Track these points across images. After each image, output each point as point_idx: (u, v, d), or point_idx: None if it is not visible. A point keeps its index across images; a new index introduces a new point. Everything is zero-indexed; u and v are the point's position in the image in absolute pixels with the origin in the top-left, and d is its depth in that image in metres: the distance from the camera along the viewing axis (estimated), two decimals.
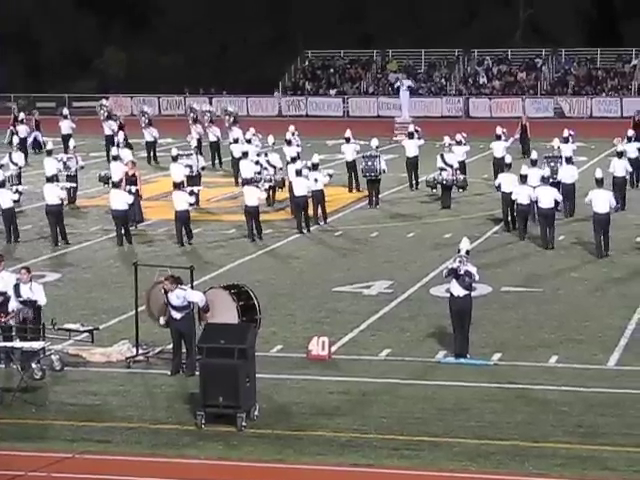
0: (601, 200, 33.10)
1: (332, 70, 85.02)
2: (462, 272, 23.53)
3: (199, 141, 47.80)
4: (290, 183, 38.74)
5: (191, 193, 36.68)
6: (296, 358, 23.93)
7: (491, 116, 71.60)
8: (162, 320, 23.13)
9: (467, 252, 23.96)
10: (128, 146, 45.06)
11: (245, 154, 41.54)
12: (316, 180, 37.64)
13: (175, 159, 40.97)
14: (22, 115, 56.95)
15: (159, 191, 43.69)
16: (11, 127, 55.52)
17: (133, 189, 36.71)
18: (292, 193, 38.28)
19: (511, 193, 35.79)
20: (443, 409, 20.90)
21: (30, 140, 54.93)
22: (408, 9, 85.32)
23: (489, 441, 19.26)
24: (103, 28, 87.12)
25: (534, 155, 38.49)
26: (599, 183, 33.63)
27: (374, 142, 43.32)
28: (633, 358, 23.82)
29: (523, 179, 35.42)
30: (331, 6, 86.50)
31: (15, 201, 37.24)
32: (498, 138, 45.23)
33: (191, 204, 36.41)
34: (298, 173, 37.84)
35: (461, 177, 42.23)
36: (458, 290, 23.70)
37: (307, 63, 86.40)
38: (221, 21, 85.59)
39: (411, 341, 25.21)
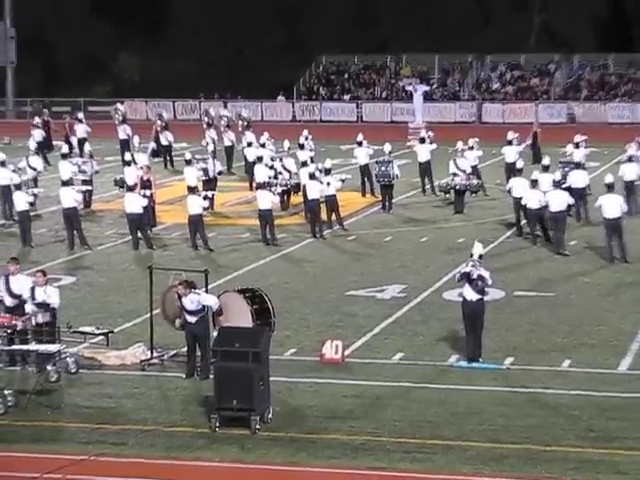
0: (611, 205, 33.05)
1: (346, 75, 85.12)
2: (475, 276, 23.54)
3: (214, 145, 47.94)
4: (304, 187, 38.76)
5: (205, 197, 36.72)
6: (310, 361, 23.95)
7: (504, 121, 71.56)
8: (177, 323, 23.17)
9: (480, 256, 23.96)
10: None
11: (260, 158, 41.57)
12: (328, 184, 37.65)
13: (189, 163, 41.08)
14: (37, 119, 56.94)
15: (174, 195, 43.70)
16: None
17: (147, 193, 36.76)
18: (305, 197, 38.32)
19: (521, 198, 35.80)
20: (456, 413, 20.91)
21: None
22: (422, 15, 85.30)
23: (501, 445, 19.27)
24: (118, 33, 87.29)
25: (546, 160, 38.48)
26: (609, 188, 33.62)
27: (387, 147, 43.37)
28: None
29: (534, 184, 35.42)
30: (345, 12, 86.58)
31: (31, 204, 37.31)
32: (509, 143, 45.24)
33: (205, 208, 36.41)
34: (311, 177, 37.90)
35: (474, 182, 42.26)
36: (471, 294, 23.71)
37: (321, 68, 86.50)
38: (235, 26, 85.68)
39: (424, 345, 25.23)
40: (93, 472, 18.37)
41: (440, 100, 79.57)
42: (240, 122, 53.30)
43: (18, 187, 36.98)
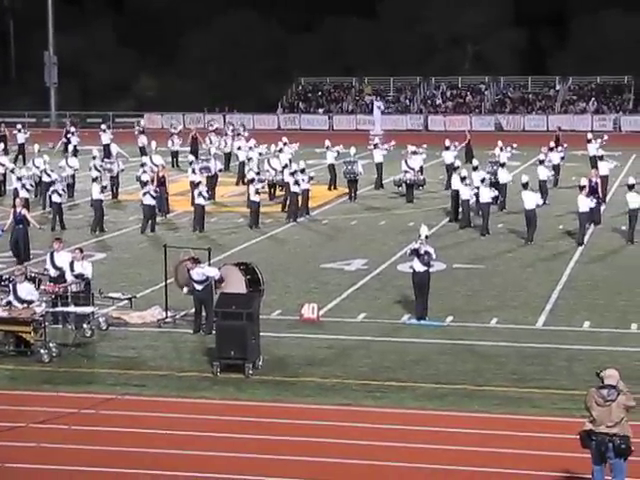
0: (528, 199, 33.07)
1: (320, 93, 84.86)
2: (422, 252, 23.50)
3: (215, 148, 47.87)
4: (287, 183, 38.55)
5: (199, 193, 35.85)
6: (291, 320, 23.89)
7: (445, 130, 71.43)
8: (185, 289, 23.14)
9: (426, 237, 23.93)
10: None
11: (249, 159, 41.42)
12: (303, 180, 37.61)
13: (191, 164, 41.16)
14: (73, 129, 56.64)
15: (184, 188, 43.40)
16: (63, 138, 55.46)
17: (152, 191, 35.42)
18: (289, 190, 38.13)
19: (457, 191, 35.84)
20: (407, 360, 20.89)
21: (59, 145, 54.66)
22: (380, 46, 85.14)
23: (444, 385, 19.26)
24: (139, 60, 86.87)
25: (475, 162, 38.52)
26: (525, 186, 33.61)
27: (353, 150, 43.27)
28: (556, 320, 23.86)
29: (464, 180, 35.52)
30: (319, 44, 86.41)
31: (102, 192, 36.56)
32: (447, 148, 45.17)
33: (205, 198, 35.90)
34: (291, 175, 37.86)
35: (421, 177, 42.37)
36: (419, 266, 23.68)
37: (300, 88, 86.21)
38: (233, 55, 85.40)
39: (382, 307, 25.20)
40: (120, 408, 18.30)
41: (394, 113, 79.38)
42: (231, 129, 53.43)
43: (94, 180, 36.63)
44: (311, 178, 38.71)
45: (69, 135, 55.14)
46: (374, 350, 21.64)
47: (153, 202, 35.41)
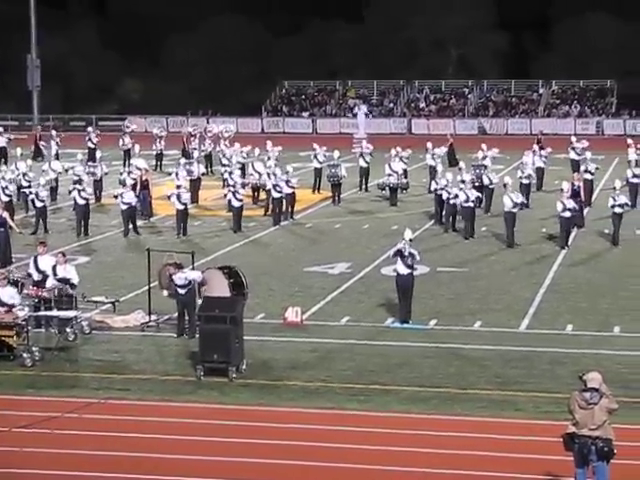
0: (506, 201, 33.08)
1: (304, 97, 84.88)
2: (406, 253, 23.54)
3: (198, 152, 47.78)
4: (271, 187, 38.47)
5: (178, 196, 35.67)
6: (275, 324, 23.89)
7: (429, 133, 71.50)
8: (165, 292, 23.20)
9: (410, 240, 23.96)
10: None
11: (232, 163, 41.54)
12: (288, 183, 37.50)
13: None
14: (54, 132, 56.41)
15: (167, 192, 43.32)
16: (40, 142, 55.45)
17: (131, 197, 35.37)
18: (270, 194, 38.07)
19: (441, 195, 35.88)
20: (391, 363, 20.91)
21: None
22: (364, 49, 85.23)
23: (427, 389, 19.28)
24: (123, 62, 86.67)
25: (462, 164, 38.55)
26: (506, 188, 33.70)
27: (336, 153, 43.29)
28: (539, 323, 23.91)
29: (450, 183, 35.55)
30: (303, 47, 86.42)
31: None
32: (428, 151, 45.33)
33: (183, 204, 35.61)
34: (275, 178, 37.78)
35: (405, 181, 42.41)
36: (403, 269, 23.70)
37: (284, 91, 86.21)
38: (217, 58, 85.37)
39: (366, 310, 25.20)
40: (103, 412, 18.26)
41: (378, 116, 79.46)
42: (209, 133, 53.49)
43: (75, 183, 36.69)
44: (287, 181, 37.60)
45: (43, 141, 54.97)
46: (358, 353, 21.64)
47: (133, 202, 35.24)
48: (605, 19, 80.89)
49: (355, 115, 73.40)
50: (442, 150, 45.69)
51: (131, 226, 35.29)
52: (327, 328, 23.65)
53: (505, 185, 33.88)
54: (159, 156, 52.88)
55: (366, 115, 73.18)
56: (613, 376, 18.53)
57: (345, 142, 59.36)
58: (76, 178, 38.77)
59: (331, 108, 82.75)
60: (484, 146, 43.60)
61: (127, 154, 51.57)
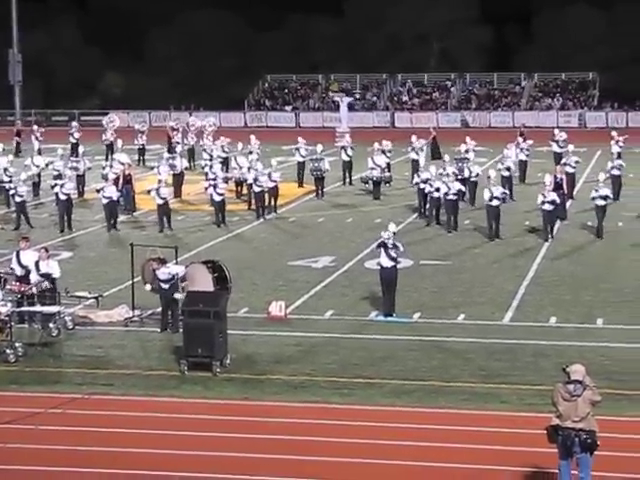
0: (487, 194, 33.14)
1: (287, 90, 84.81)
2: (390, 245, 23.57)
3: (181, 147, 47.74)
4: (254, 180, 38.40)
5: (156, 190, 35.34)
6: (259, 318, 23.88)
7: (412, 126, 71.38)
8: (148, 286, 23.16)
9: (394, 233, 23.99)
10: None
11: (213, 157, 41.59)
12: (270, 177, 37.50)
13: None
14: (36, 127, 56.17)
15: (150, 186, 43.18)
16: (16, 138, 55.24)
17: (112, 191, 35.23)
18: (252, 189, 38.05)
19: (424, 188, 35.92)
20: (375, 357, 20.93)
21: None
22: (346, 43, 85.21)
23: (411, 382, 19.31)
24: (105, 57, 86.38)
25: (446, 157, 38.59)
26: (489, 181, 33.79)
27: (319, 147, 43.28)
28: (522, 316, 23.97)
29: (433, 176, 35.59)
30: (286, 41, 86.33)
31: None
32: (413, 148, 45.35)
33: (163, 198, 35.21)
34: (256, 172, 37.75)
35: (388, 174, 42.44)
36: (386, 262, 23.73)
37: (267, 85, 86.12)
38: (199, 52, 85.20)
39: (350, 303, 25.22)
40: (87, 408, 18.22)
41: (361, 110, 79.44)
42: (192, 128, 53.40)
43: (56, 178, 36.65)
44: (269, 175, 37.55)
45: (23, 135, 54.79)
46: (342, 347, 21.65)
47: (114, 196, 35.14)
48: (586, 12, 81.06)
49: (338, 108, 73.28)
50: (421, 142, 45.60)
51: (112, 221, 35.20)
52: (311, 322, 23.66)
53: (488, 178, 34.01)
54: (141, 151, 52.77)
55: (350, 107, 73.02)
56: (597, 368, 18.59)
57: (328, 136, 59.26)
58: (56, 173, 38.73)
59: (314, 102, 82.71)
60: (468, 139, 43.65)
61: (109, 148, 51.44)
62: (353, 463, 15.76)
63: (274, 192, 37.98)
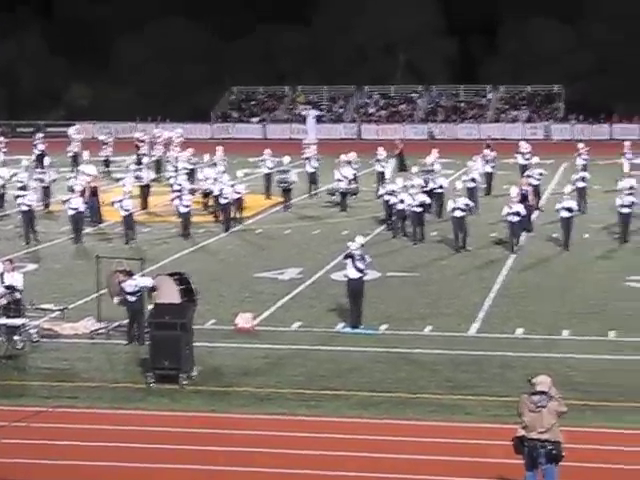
0: (450, 206, 33.32)
1: (253, 102, 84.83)
2: (357, 256, 23.63)
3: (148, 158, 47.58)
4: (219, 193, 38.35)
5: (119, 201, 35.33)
6: (226, 330, 23.86)
7: (379, 138, 71.60)
8: (116, 299, 23.07)
9: (362, 245, 24.05)
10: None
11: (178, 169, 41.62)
12: (233, 188, 37.52)
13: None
14: (1, 138, 55.85)
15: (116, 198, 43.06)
16: None
17: (78, 203, 35.07)
18: (218, 201, 38.00)
19: (389, 200, 36.03)
20: (342, 369, 20.95)
21: None
22: (313, 53, 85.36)
23: (378, 393, 19.34)
24: (71, 68, 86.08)
25: (414, 169, 38.71)
26: (453, 193, 33.99)
27: (286, 159, 43.31)
28: (489, 327, 24.07)
29: (399, 188, 35.70)
30: (252, 53, 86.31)
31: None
32: (378, 161, 45.49)
33: (126, 210, 35.13)
34: (223, 184, 37.76)
35: (354, 186, 42.53)
36: (353, 274, 23.78)
37: (234, 96, 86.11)
38: (166, 63, 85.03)
39: (317, 315, 25.23)
40: (52, 421, 18.13)
41: (328, 122, 79.57)
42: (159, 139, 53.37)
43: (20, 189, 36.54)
44: (232, 186, 37.80)
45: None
46: (309, 359, 21.66)
47: (80, 208, 34.99)
48: (551, 24, 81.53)
49: (305, 120, 73.36)
50: (383, 153, 45.61)
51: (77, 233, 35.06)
52: (278, 334, 23.65)
53: (454, 189, 34.14)
54: (106, 162, 52.61)
55: (318, 119, 73.12)
56: (562, 379, 18.67)
57: (296, 148, 59.35)
58: (20, 185, 38.55)
59: (281, 113, 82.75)
60: (435, 151, 43.79)
61: (74, 160, 51.21)
62: (320, 475, 15.75)
63: (239, 204, 37.99)
